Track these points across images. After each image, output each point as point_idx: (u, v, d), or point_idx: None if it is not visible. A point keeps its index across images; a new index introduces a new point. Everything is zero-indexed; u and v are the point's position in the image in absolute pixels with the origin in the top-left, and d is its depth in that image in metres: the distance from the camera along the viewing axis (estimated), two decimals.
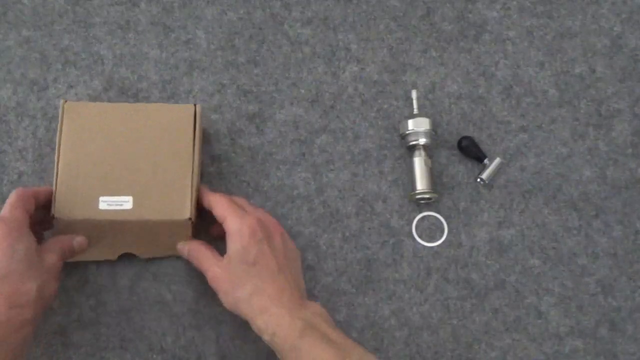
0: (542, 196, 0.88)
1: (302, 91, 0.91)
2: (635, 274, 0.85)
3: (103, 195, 0.77)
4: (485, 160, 0.88)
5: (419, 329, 0.81)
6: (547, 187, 0.88)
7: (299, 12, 0.95)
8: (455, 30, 0.95)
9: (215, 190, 0.86)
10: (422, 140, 0.86)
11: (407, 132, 0.87)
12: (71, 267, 0.81)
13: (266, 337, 0.71)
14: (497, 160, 0.88)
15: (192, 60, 0.92)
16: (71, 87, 0.89)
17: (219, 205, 0.76)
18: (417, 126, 0.86)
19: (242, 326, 0.80)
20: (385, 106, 0.91)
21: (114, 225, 0.77)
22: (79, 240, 0.77)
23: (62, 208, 0.76)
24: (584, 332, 0.82)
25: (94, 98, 0.89)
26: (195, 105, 0.82)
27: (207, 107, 0.89)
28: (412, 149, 0.87)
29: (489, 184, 0.88)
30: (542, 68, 0.94)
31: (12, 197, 0.73)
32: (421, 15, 0.96)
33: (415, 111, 0.89)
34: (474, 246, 0.85)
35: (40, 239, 0.76)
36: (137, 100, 0.89)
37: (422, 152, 0.86)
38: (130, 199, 0.77)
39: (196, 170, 0.79)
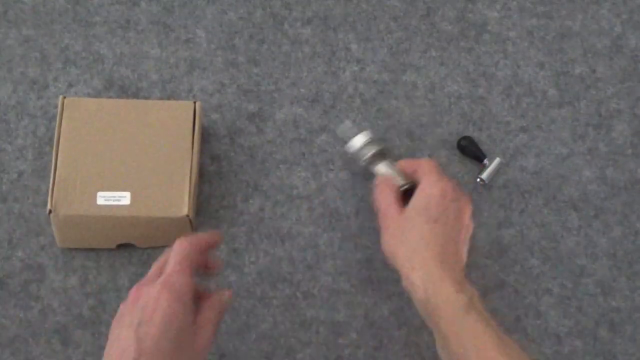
0: (542, 196, 0.88)
1: (302, 91, 0.91)
2: (635, 275, 0.85)
3: (101, 190, 0.77)
4: (485, 160, 0.88)
5: (419, 329, 0.81)
6: (547, 187, 0.88)
7: (299, 11, 0.95)
8: (455, 30, 0.95)
9: (214, 190, 0.86)
10: (375, 148, 0.82)
11: (358, 148, 0.82)
12: (71, 267, 0.81)
13: (419, 295, 0.69)
14: (497, 160, 0.88)
15: (192, 60, 0.92)
16: (71, 86, 0.89)
17: (424, 166, 0.77)
18: (363, 138, 0.82)
19: (242, 326, 0.80)
20: (385, 106, 0.91)
21: (112, 220, 0.77)
22: (227, 296, 0.67)
23: (60, 203, 0.76)
24: (583, 332, 0.82)
25: (94, 97, 0.89)
26: (194, 102, 0.82)
27: (207, 107, 0.89)
28: (372, 161, 0.82)
29: (488, 184, 0.88)
30: (542, 68, 0.94)
31: (177, 253, 0.64)
32: (421, 15, 0.96)
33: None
34: (474, 246, 0.85)
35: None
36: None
37: (385, 159, 0.82)
38: (128, 194, 0.77)
39: (195, 167, 0.79)
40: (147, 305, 0.60)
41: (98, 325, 0.79)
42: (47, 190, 0.77)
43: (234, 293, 0.81)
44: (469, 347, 0.65)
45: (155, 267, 0.65)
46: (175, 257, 0.63)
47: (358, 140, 0.82)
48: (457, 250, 0.72)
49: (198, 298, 0.64)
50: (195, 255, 0.64)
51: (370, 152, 0.81)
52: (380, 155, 0.81)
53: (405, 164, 0.79)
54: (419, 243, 0.70)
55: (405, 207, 0.74)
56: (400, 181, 0.78)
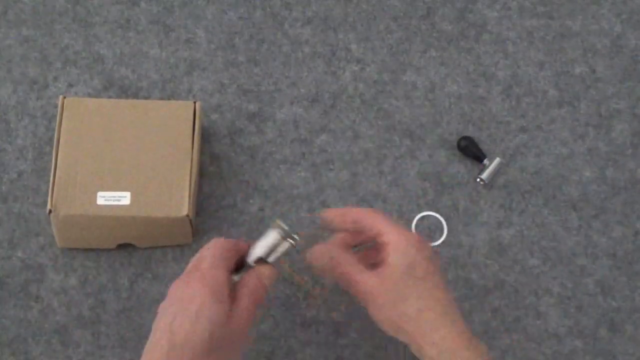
0: (542, 196, 0.88)
1: (302, 91, 0.91)
2: (635, 275, 0.85)
3: (101, 190, 0.77)
4: (485, 160, 0.88)
5: None
6: (547, 187, 0.88)
7: (299, 11, 0.95)
8: (455, 30, 0.95)
9: (214, 190, 0.86)
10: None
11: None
12: (71, 267, 0.81)
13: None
14: (497, 160, 0.88)
15: (192, 60, 0.92)
16: (71, 86, 0.89)
17: (375, 218, 0.69)
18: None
19: None
20: (385, 106, 0.91)
21: (112, 220, 0.77)
22: (266, 272, 0.67)
23: (60, 203, 0.76)
24: (583, 332, 0.82)
25: (94, 97, 0.89)
26: (194, 102, 0.82)
27: (207, 107, 0.89)
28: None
29: (488, 184, 0.88)
30: (542, 68, 0.94)
31: (213, 249, 0.65)
32: (421, 15, 0.96)
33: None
34: (474, 246, 0.85)
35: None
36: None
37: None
38: (128, 194, 0.77)
39: (195, 167, 0.79)
40: (182, 299, 0.61)
41: (98, 325, 0.79)
42: (47, 190, 0.77)
43: None
44: None
45: (192, 263, 0.66)
46: (211, 252, 0.64)
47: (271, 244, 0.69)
48: (453, 302, 0.67)
49: (236, 291, 0.65)
50: (229, 253, 0.65)
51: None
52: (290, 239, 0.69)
53: (338, 216, 0.71)
54: (420, 304, 0.65)
55: (384, 267, 0.66)
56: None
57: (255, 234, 0.84)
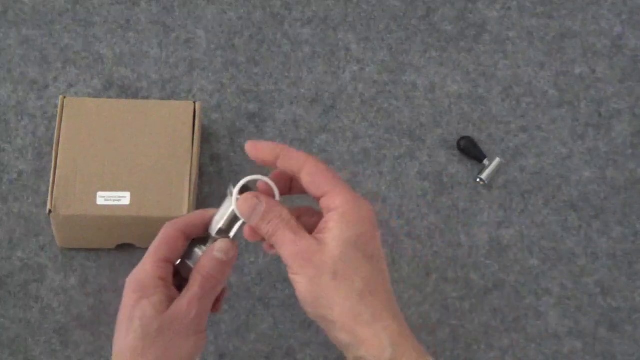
0: (542, 196, 0.88)
1: (302, 91, 0.91)
2: (635, 275, 0.85)
3: (101, 190, 0.77)
4: (485, 161, 0.88)
5: (418, 329, 0.81)
6: (547, 187, 0.88)
7: (299, 11, 0.95)
8: (455, 30, 0.95)
9: (214, 190, 0.86)
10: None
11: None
12: (71, 267, 0.81)
13: (377, 355, 0.54)
14: (497, 161, 0.88)
15: (192, 60, 0.92)
16: (71, 86, 0.89)
17: (321, 174, 0.57)
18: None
19: (241, 326, 0.80)
20: (385, 106, 0.91)
21: (112, 220, 0.77)
22: (220, 245, 0.60)
23: (60, 203, 0.76)
24: (583, 332, 0.82)
25: (94, 97, 0.89)
26: (194, 102, 0.82)
27: (207, 107, 0.89)
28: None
29: (488, 184, 0.88)
30: (542, 68, 0.94)
31: (156, 239, 0.60)
32: (421, 15, 0.96)
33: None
34: (473, 246, 0.85)
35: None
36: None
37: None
38: (128, 194, 0.77)
39: (195, 167, 0.79)
40: (120, 308, 0.60)
41: (98, 325, 0.79)
42: (47, 190, 0.77)
43: (233, 293, 0.81)
44: None
45: None
46: (153, 243, 0.60)
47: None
48: (393, 293, 0.57)
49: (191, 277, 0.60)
50: (174, 239, 0.60)
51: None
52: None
53: (269, 152, 0.59)
54: (364, 286, 0.54)
55: (326, 234, 0.55)
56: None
57: None
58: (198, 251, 0.62)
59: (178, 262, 0.63)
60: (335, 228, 0.55)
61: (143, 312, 0.56)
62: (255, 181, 0.60)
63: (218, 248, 0.59)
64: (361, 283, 0.54)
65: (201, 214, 0.61)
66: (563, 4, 0.98)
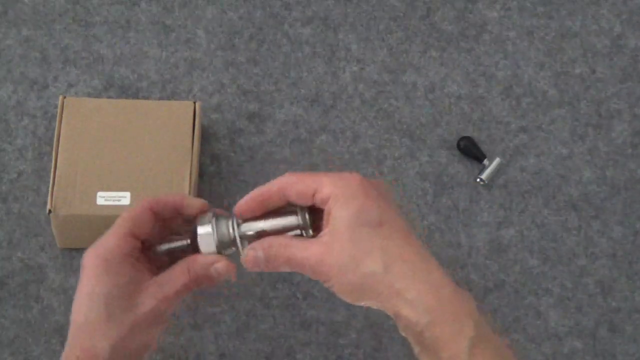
0: (542, 196, 0.88)
1: (302, 91, 0.91)
2: (635, 275, 0.85)
3: (101, 190, 0.77)
4: (485, 161, 0.88)
5: None
6: (547, 187, 0.88)
7: (299, 11, 0.95)
8: (455, 30, 0.95)
9: (214, 190, 0.86)
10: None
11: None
12: (71, 267, 0.81)
13: (413, 327, 0.52)
14: (497, 161, 0.88)
15: (192, 60, 0.92)
16: (71, 86, 0.89)
17: (299, 182, 0.56)
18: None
19: (241, 326, 0.80)
20: (385, 106, 0.91)
21: (112, 220, 0.77)
22: (220, 267, 0.57)
23: (60, 203, 0.76)
24: (583, 332, 0.82)
25: (94, 97, 0.89)
26: (194, 102, 0.82)
27: (207, 107, 0.89)
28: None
29: (488, 184, 0.88)
30: (542, 68, 0.94)
31: (122, 215, 0.58)
32: (421, 15, 0.96)
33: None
34: (473, 246, 0.85)
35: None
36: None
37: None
38: (128, 194, 0.77)
39: (195, 167, 0.79)
40: (80, 278, 0.57)
41: None
42: (47, 190, 0.77)
43: (233, 293, 0.81)
44: None
45: None
46: (117, 221, 0.58)
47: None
48: (423, 248, 0.55)
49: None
50: (142, 216, 0.58)
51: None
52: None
53: (254, 203, 0.58)
54: (386, 257, 0.53)
55: (329, 227, 0.54)
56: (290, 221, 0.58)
57: None
58: (162, 247, 0.59)
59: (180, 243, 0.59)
60: (335, 217, 0.54)
61: (109, 292, 0.55)
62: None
63: (217, 269, 0.57)
64: (380, 256, 0.52)
65: (173, 195, 0.60)
66: (563, 4, 0.98)
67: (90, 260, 0.56)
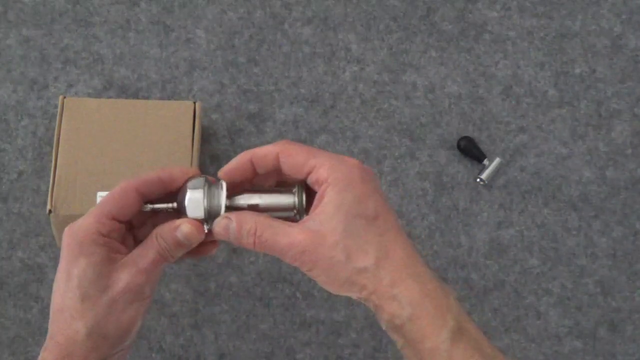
0: (542, 196, 0.88)
1: (302, 91, 0.91)
2: (635, 275, 0.85)
3: (101, 190, 0.77)
4: (485, 161, 0.88)
5: None
6: (547, 187, 0.88)
7: (299, 11, 0.95)
8: (455, 30, 0.95)
9: None
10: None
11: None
12: None
13: (395, 320, 0.51)
14: (497, 161, 0.88)
15: (192, 60, 0.92)
16: (71, 86, 0.89)
17: (296, 155, 0.53)
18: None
19: (241, 326, 0.80)
20: (385, 106, 0.91)
21: None
22: (184, 229, 0.54)
23: (60, 203, 0.76)
24: (583, 332, 0.82)
25: (94, 97, 0.89)
26: (194, 102, 0.82)
27: (207, 107, 0.89)
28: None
29: (488, 184, 0.88)
30: (542, 68, 0.94)
31: (104, 197, 0.55)
32: (421, 15, 0.96)
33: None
34: (473, 246, 0.85)
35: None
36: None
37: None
38: None
39: (195, 167, 0.79)
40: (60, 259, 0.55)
41: None
42: (47, 190, 0.77)
43: (233, 293, 0.81)
44: None
45: None
46: (98, 203, 0.55)
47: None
48: (411, 245, 0.53)
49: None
50: (122, 198, 0.55)
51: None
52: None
53: (241, 166, 0.55)
54: (379, 253, 0.51)
55: (319, 210, 0.51)
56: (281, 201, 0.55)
57: None
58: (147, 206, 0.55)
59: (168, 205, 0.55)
60: (329, 204, 0.51)
61: (83, 272, 0.53)
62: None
63: (182, 232, 0.54)
64: (374, 252, 0.51)
65: (157, 172, 0.56)
66: (563, 4, 0.98)
67: (66, 242, 0.53)
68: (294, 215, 0.55)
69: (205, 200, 0.54)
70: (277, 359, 0.79)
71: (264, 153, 0.54)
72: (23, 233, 0.82)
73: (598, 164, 0.89)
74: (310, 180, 0.53)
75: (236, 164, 0.55)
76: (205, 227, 0.55)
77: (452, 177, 0.88)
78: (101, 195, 0.77)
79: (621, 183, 0.89)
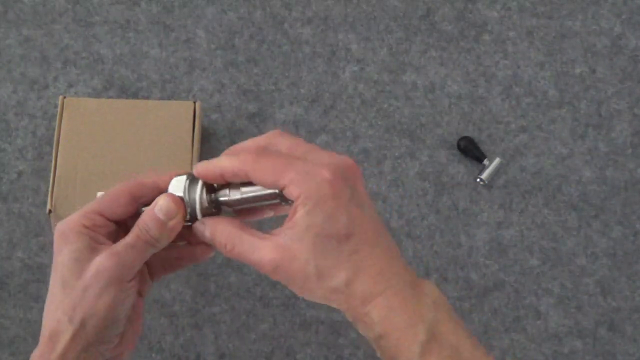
0: (542, 196, 0.88)
1: (302, 91, 0.91)
2: (635, 275, 0.85)
3: (101, 190, 0.77)
4: (485, 161, 0.88)
5: None
6: (547, 187, 0.88)
7: (299, 11, 0.95)
8: (455, 30, 0.95)
9: None
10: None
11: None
12: None
13: (370, 335, 0.52)
14: (497, 161, 0.88)
15: (192, 60, 0.92)
16: (71, 86, 0.89)
17: (264, 172, 0.52)
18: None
19: (241, 326, 0.80)
20: (385, 106, 0.91)
21: None
22: (162, 204, 0.53)
23: (60, 203, 0.76)
24: (583, 332, 0.82)
25: (94, 97, 0.89)
26: (194, 102, 0.82)
27: (207, 107, 0.89)
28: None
29: (488, 184, 0.88)
30: (542, 68, 0.94)
31: (101, 196, 0.56)
32: (421, 15, 0.96)
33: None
34: (473, 246, 0.85)
35: None
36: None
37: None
38: None
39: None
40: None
41: None
42: (47, 190, 0.77)
43: (233, 293, 0.81)
44: None
45: None
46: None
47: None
48: (389, 242, 0.52)
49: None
50: (114, 200, 0.55)
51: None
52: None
53: (211, 171, 0.54)
54: (350, 272, 0.50)
55: (294, 229, 0.51)
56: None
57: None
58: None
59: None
60: (299, 222, 0.50)
61: (62, 260, 0.54)
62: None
63: (159, 206, 0.53)
64: (345, 271, 0.50)
65: (154, 178, 0.55)
66: (563, 4, 0.98)
67: (55, 237, 0.55)
68: (280, 202, 0.54)
69: (187, 182, 0.53)
70: (277, 359, 0.79)
71: (233, 171, 0.53)
72: (23, 233, 0.82)
73: (598, 164, 0.89)
74: (284, 193, 0.52)
75: (206, 169, 0.54)
76: (188, 216, 0.54)
77: (452, 177, 0.88)
78: (101, 195, 0.77)
79: (621, 183, 0.89)
